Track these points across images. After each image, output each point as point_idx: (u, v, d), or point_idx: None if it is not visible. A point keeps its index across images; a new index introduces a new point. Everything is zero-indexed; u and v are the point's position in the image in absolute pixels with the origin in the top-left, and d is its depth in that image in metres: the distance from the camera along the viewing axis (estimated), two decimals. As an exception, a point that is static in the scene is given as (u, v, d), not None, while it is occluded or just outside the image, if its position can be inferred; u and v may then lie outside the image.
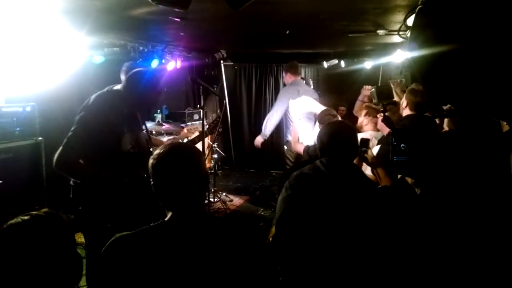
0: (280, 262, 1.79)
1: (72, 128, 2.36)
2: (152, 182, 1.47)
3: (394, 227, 1.76)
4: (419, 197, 1.79)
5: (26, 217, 1.28)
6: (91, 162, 2.36)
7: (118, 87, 2.55)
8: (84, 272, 2.88)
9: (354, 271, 1.75)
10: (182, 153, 1.48)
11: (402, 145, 1.77)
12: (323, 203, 1.80)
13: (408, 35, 3.41)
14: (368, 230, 1.77)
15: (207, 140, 5.26)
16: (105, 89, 2.54)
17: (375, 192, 1.91)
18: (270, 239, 1.87)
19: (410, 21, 3.24)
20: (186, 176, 1.44)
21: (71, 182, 2.46)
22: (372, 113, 3.61)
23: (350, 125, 2.18)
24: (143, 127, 2.76)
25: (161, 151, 1.46)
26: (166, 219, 1.45)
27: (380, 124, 3.11)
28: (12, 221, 1.28)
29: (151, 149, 2.76)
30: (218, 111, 4.01)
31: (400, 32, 3.47)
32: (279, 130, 7.49)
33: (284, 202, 1.89)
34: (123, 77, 3.75)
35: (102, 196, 2.36)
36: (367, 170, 2.58)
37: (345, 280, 1.75)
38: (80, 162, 2.34)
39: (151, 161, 1.46)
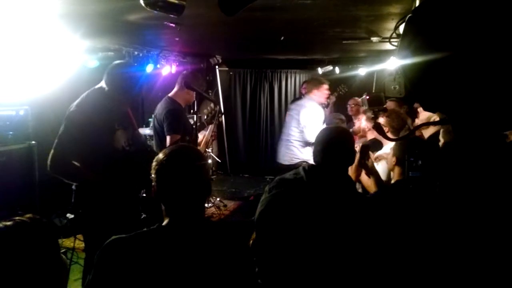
0: (258, 265, 1.80)
1: (61, 128, 2.35)
2: (154, 186, 1.45)
3: (368, 235, 1.78)
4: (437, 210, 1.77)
5: (9, 223, 1.26)
6: (86, 162, 2.34)
7: (99, 85, 2.56)
8: (81, 276, 2.86)
9: (327, 276, 1.77)
10: (187, 159, 1.45)
11: (416, 160, 1.78)
12: (298, 208, 1.82)
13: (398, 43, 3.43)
14: (342, 236, 1.78)
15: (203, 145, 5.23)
16: (89, 89, 2.55)
17: (354, 201, 1.91)
18: (251, 242, 1.89)
19: (401, 29, 3.26)
20: (190, 182, 1.42)
21: (73, 187, 2.45)
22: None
23: (346, 133, 2.12)
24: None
25: (166, 155, 1.44)
26: (163, 223, 1.44)
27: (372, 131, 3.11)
28: None
29: (148, 148, 2.75)
30: (212, 105, 3.82)
31: (391, 40, 3.49)
32: (274, 135, 7.55)
33: (262, 204, 1.91)
34: None
35: (105, 201, 2.36)
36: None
37: (318, 283, 1.77)
38: (74, 163, 2.32)
39: (155, 165, 1.44)
